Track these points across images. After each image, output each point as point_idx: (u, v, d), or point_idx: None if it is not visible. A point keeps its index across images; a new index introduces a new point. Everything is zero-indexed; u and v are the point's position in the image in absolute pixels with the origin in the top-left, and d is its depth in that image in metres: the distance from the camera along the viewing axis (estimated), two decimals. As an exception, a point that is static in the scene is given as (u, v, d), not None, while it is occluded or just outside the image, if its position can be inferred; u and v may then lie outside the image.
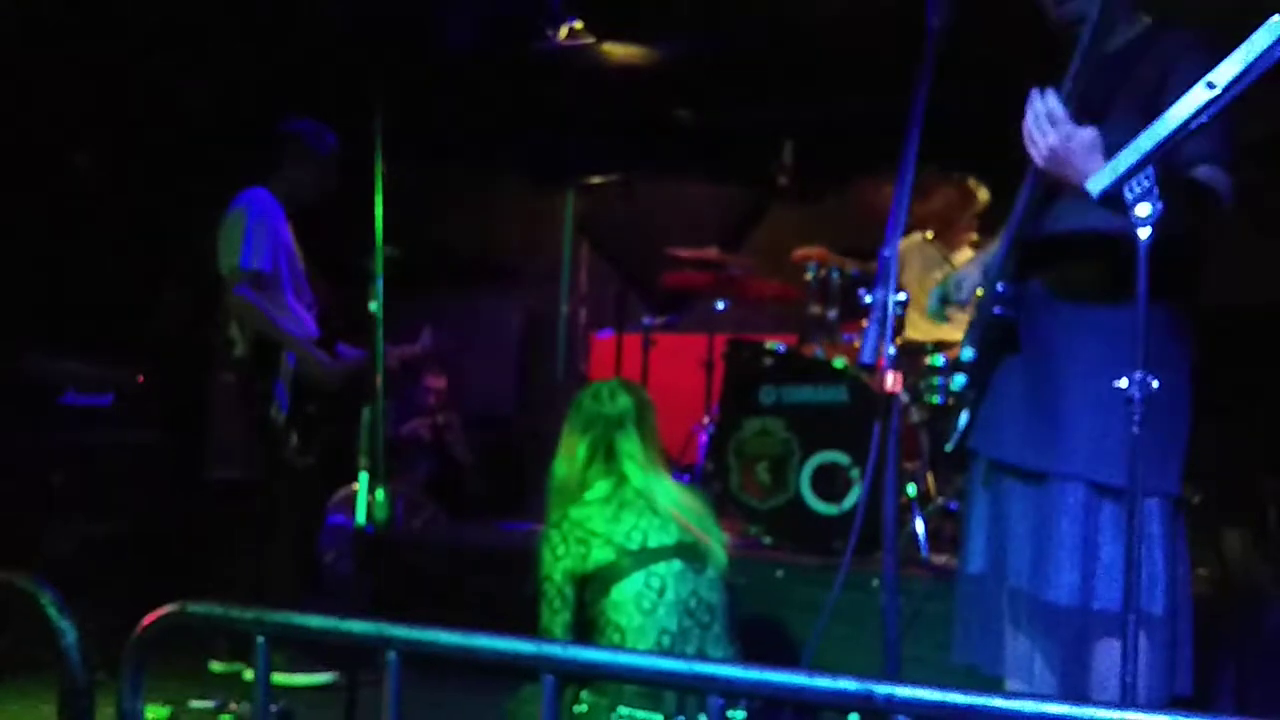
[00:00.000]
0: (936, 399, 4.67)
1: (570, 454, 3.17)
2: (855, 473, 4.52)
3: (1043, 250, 2.57)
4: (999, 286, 2.60)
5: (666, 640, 2.94)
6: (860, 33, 5.49)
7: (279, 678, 4.18)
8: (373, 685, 3.73)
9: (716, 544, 3.12)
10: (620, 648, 2.90)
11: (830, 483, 4.58)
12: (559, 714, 1.48)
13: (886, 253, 2.08)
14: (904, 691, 1.32)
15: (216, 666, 4.32)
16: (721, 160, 6.46)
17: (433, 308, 5.24)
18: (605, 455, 3.13)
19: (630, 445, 3.14)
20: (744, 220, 5.94)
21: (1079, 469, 2.45)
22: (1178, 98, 2.07)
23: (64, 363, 5.25)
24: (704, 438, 5.30)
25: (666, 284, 5.43)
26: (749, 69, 6.07)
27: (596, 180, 6.28)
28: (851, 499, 4.53)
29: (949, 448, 2.86)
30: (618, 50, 6.10)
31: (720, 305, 5.35)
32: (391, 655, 1.58)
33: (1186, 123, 1.67)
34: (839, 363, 4.69)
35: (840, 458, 4.57)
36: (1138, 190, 1.72)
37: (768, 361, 4.94)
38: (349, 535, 5.13)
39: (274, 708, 3.92)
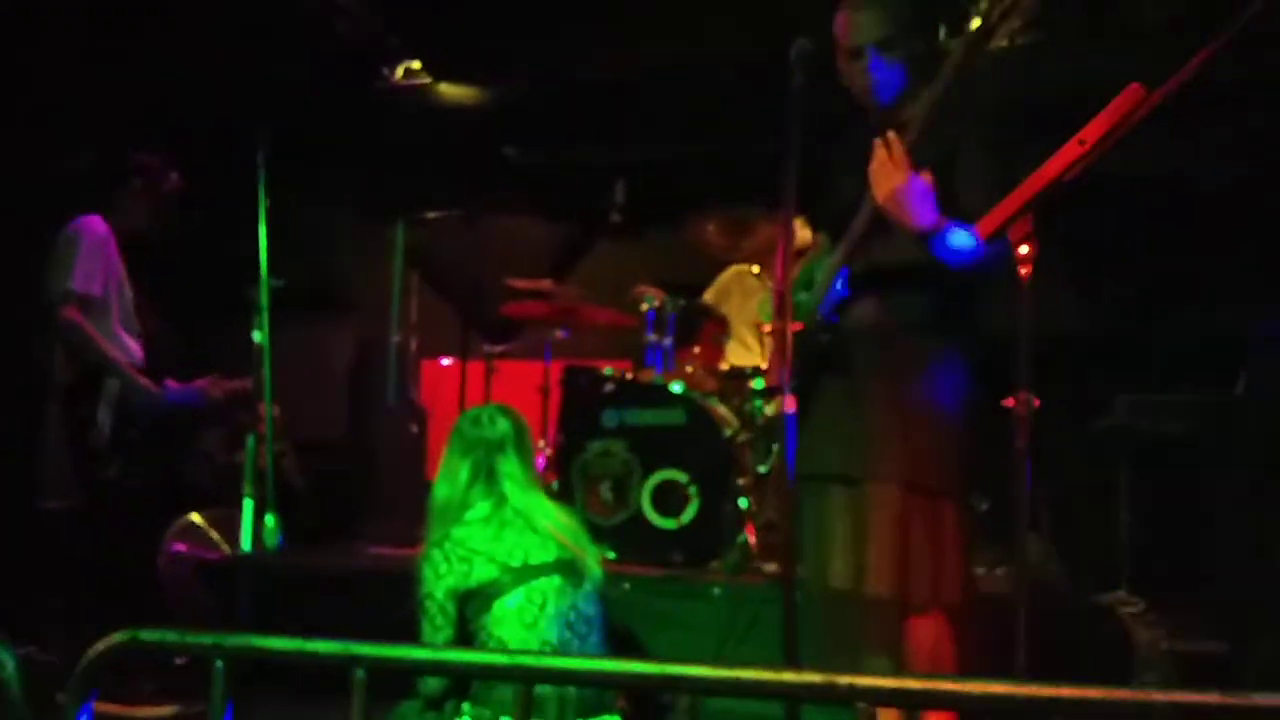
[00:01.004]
0: (759, 418, 4.90)
1: (452, 476, 3.16)
2: (693, 489, 4.65)
3: (869, 280, 2.76)
4: (824, 310, 2.78)
5: (547, 650, 2.97)
6: (688, 79, 5.67)
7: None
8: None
9: (593, 559, 3.17)
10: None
11: (669, 499, 4.69)
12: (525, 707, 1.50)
13: (779, 288, 2.17)
14: (863, 681, 1.40)
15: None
16: (552, 196, 6.52)
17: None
18: (486, 476, 3.14)
19: (510, 466, 3.16)
20: (574, 253, 6.01)
21: (893, 472, 2.64)
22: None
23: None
24: (541, 460, 5.33)
25: (505, 313, 5.45)
26: (579, 110, 6.17)
27: (430, 215, 6.22)
28: (689, 513, 4.65)
29: (764, 469, 3.01)
30: (452, 90, 6.09)
31: (560, 334, 5.40)
32: (360, 673, 1.57)
33: (1059, 176, 1.84)
34: (676, 387, 4.82)
35: (679, 475, 4.68)
36: (1020, 233, 1.88)
37: (609, 386, 5.02)
38: (192, 565, 4.90)
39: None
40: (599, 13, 5.45)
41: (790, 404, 2.11)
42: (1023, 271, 1.89)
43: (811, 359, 2.75)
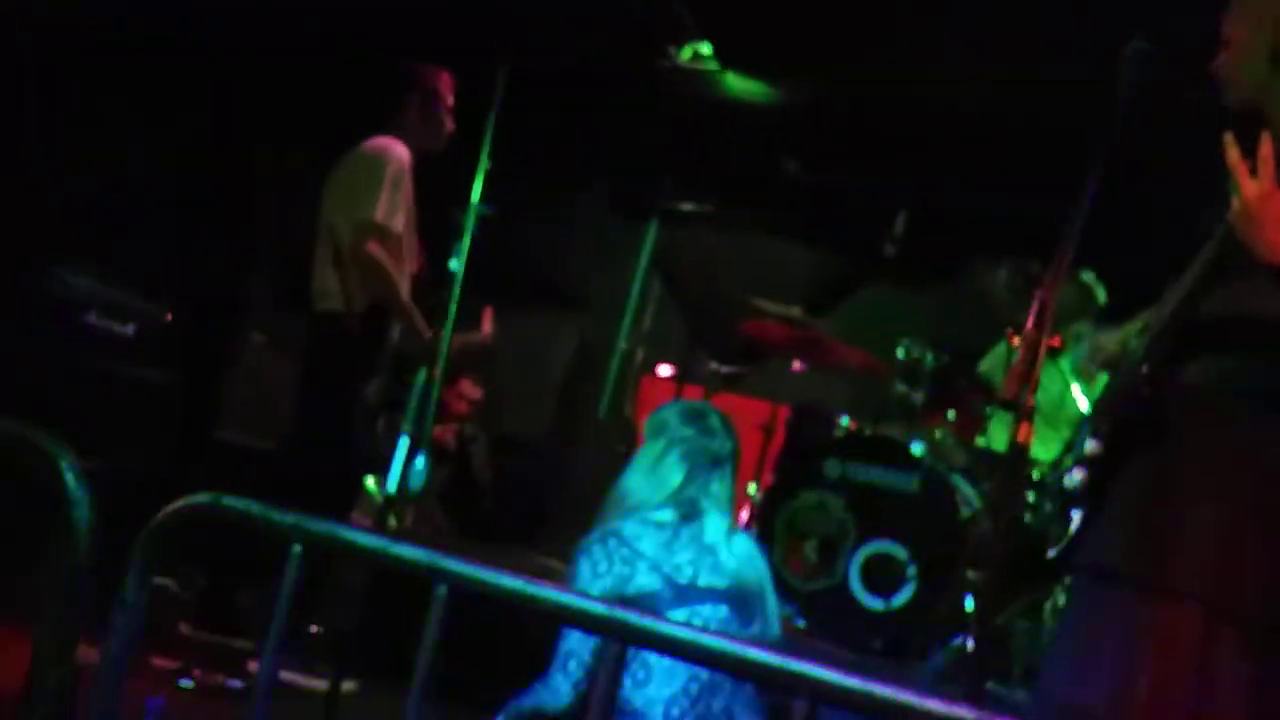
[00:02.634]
0: (1026, 516, 4.60)
1: (660, 474, 3.07)
2: (912, 570, 4.42)
3: (1205, 334, 2.44)
4: (1144, 370, 2.47)
5: (694, 688, 2.85)
6: (994, 123, 5.48)
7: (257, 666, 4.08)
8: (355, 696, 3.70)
9: (773, 611, 3.03)
10: (643, 686, 2.82)
11: (882, 574, 4.48)
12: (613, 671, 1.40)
13: (1043, 295, 1.99)
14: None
15: (186, 629, 4.23)
16: (823, 219, 6.43)
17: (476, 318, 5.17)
18: (695, 491, 3.05)
19: (723, 488, 3.08)
20: (836, 285, 5.90)
21: (1197, 586, 2.29)
22: None
23: (91, 284, 5.25)
24: (746, 509, 5.21)
25: (744, 331, 5.37)
26: (873, 132, 6.06)
27: (685, 208, 6.23)
28: (902, 596, 4.43)
29: (1054, 552, 2.70)
30: (738, 83, 6.10)
31: (798, 365, 5.27)
32: (442, 589, 1.50)
33: None
34: (917, 448, 4.60)
35: (898, 550, 4.47)
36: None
37: (838, 432, 4.86)
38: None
39: (236, 683, 3.84)
40: (918, 30, 5.33)
41: (1025, 432, 1.91)
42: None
43: (1121, 422, 2.44)
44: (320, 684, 3.89)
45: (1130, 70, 2.45)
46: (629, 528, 2.97)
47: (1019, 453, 1.96)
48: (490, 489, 6.57)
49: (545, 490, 6.82)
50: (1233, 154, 2.15)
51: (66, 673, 1.79)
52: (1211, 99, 2.59)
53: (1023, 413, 1.92)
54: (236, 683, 3.80)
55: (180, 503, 1.69)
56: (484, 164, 2.99)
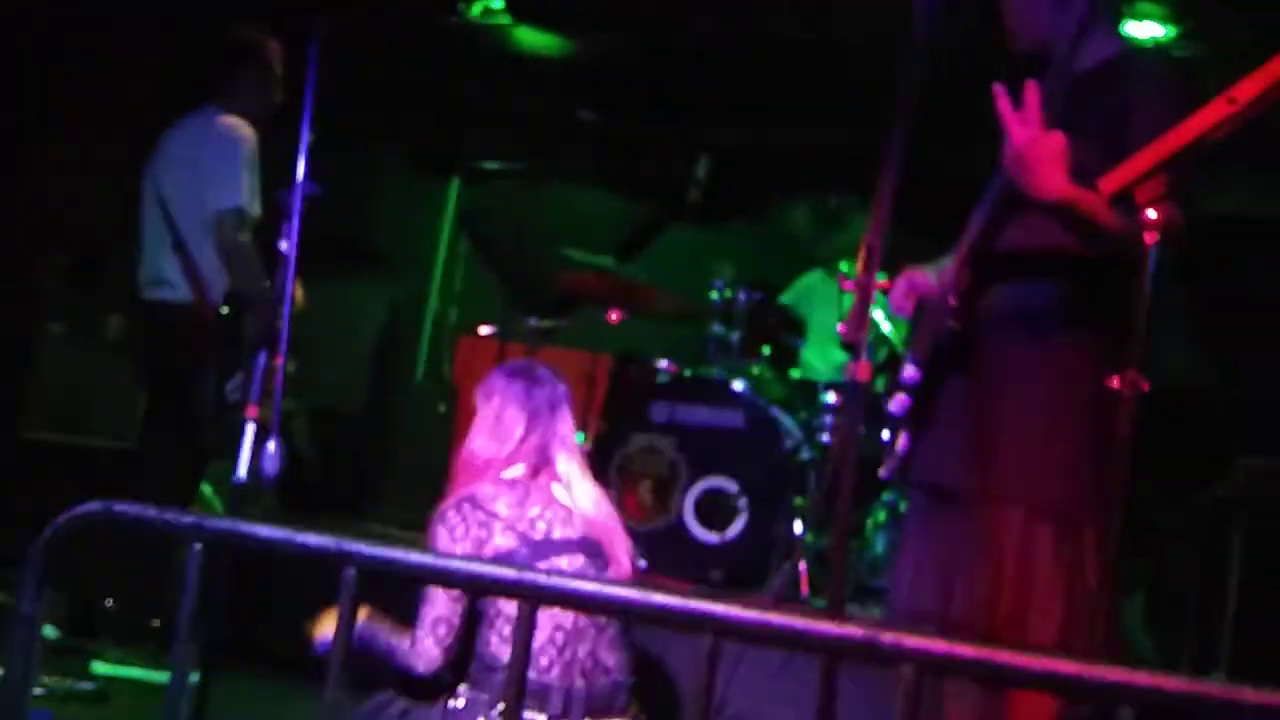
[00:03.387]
0: (825, 437, 4.86)
1: (501, 430, 3.15)
2: (742, 501, 4.62)
3: (996, 266, 2.68)
4: (950, 300, 2.70)
5: (560, 637, 2.95)
6: (785, 62, 5.66)
7: (111, 668, 4.00)
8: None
9: (622, 551, 3.16)
10: (507, 641, 2.92)
11: (715, 510, 4.67)
12: (528, 646, 1.50)
13: (871, 240, 2.15)
14: (912, 641, 1.38)
15: (50, 632, 4.11)
16: (627, 168, 6.55)
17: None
18: (540, 438, 3.15)
19: (568, 429, 3.18)
20: (645, 233, 6.04)
21: (1018, 492, 2.54)
22: (1141, 126, 2.22)
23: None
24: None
25: (557, 285, 5.47)
26: (669, 79, 6.19)
27: (488, 167, 6.26)
28: (735, 528, 4.63)
29: (885, 473, 2.91)
30: (532, 36, 6.14)
31: (615, 315, 5.40)
32: (349, 572, 1.57)
33: (1203, 134, 1.81)
34: (738, 385, 4.80)
35: (729, 484, 4.66)
36: (1149, 194, 1.85)
37: (662, 377, 5.01)
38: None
39: (87, 685, 3.78)
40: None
41: (863, 371, 2.08)
42: (1148, 238, 1.85)
43: (936, 350, 2.68)
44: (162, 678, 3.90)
45: (926, 17, 2.61)
46: (482, 490, 3.06)
47: (859, 391, 2.11)
48: (314, 462, 6.51)
49: (368, 458, 6.80)
50: (1002, 103, 2.35)
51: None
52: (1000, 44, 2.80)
53: (859, 352, 2.08)
54: (87, 684, 3.74)
55: (71, 512, 1.70)
56: (307, 141, 2.96)
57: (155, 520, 1.68)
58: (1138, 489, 1.97)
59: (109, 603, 4.25)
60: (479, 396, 3.28)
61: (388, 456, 6.92)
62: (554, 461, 3.13)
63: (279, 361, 3.01)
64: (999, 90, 2.35)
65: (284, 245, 2.99)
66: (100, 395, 5.52)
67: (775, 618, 1.43)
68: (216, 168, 4.10)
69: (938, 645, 1.37)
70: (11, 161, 6.20)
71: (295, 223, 2.93)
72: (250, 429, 2.99)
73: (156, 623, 4.24)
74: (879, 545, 4.79)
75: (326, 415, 6.83)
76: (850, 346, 2.04)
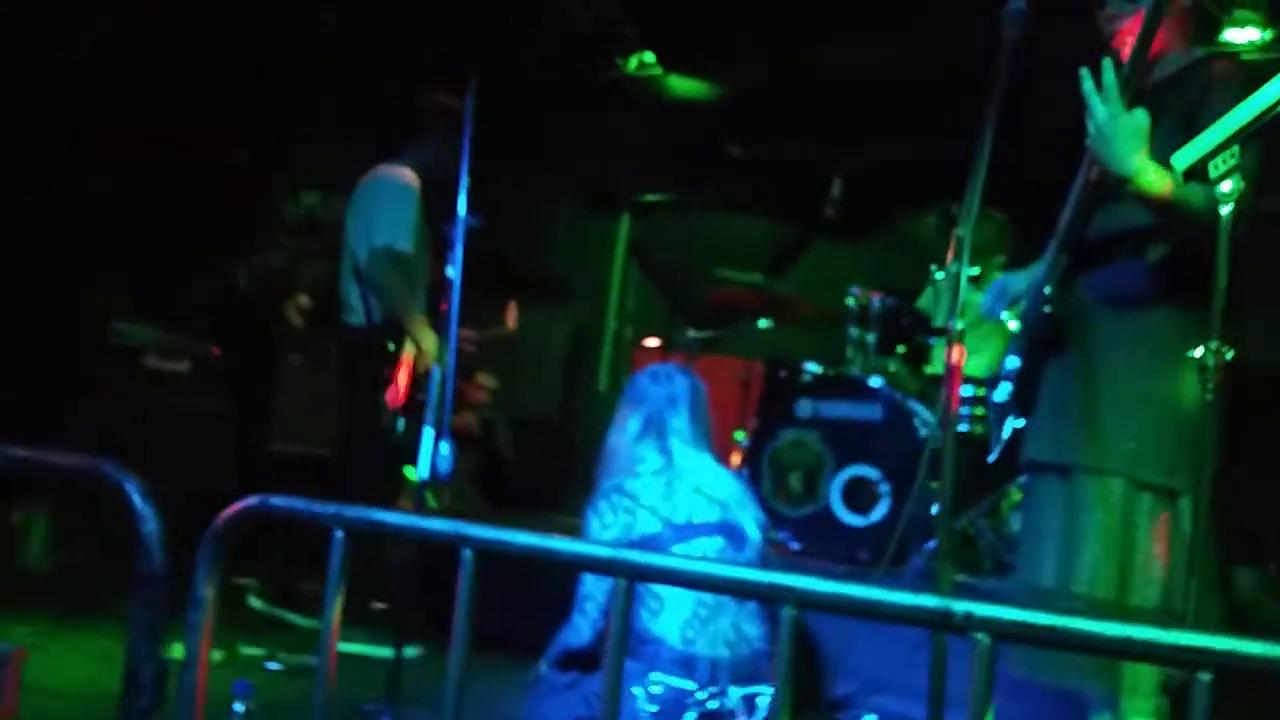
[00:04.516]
0: (964, 427, 4.61)
1: (622, 427, 3.09)
2: (884, 487, 4.43)
3: (1083, 254, 2.48)
4: (1046, 290, 2.51)
5: (703, 612, 2.85)
6: (907, 78, 5.44)
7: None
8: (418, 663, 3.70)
9: (751, 523, 3.03)
10: (658, 615, 2.83)
11: (859, 495, 4.49)
12: (628, 618, 1.40)
13: (961, 232, 1.99)
14: (983, 610, 1.23)
15: (255, 602, 4.21)
16: (771, 192, 6.40)
17: (484, 316, 5.15)
18: (656, 431, 3.06)
19: (680, 423, 3.07)
20: (788, 250, 5.88)
21: (1118, 463, 2.34)
22: (1216, 113, 2.00)
23: (146, 331, 5.24)
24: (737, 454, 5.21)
25: (713, 301, 5.36)
26: (802, 110, 6.03)
27: (651, 199, 6.21)
28: (879, 512, 4.44)
29: (992, 458, 2.73)
30: (681, 83, 6.07)
31: (763, 324, 5.26)
32: (467, 554, 1.50)
33: (1274, 105, 1.59)
34: (875, 381, 4.60)
35: (871, 472, 4.48)
36: (1222, 168, 1.64)
37: (806, 377, 4.86)
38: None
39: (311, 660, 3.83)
40: (827, 10, 5.29)
41: (958, 354, 1.91)
42: (1224, 211, 1.64)
43: (1035, 337, 2.52)
44: (387, 653, 3.92)
45: (1010, 27, 2.44)
46: (629, 482, 2.98)
47: (952, 372, 1.95)
48: (514, 465, 6.57)
49: (561, 460, 6.82)
50: (1086, 85, 2.16)
51: (157, 666, 1.79)
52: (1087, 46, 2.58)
53: (952, 338, 1.92)
54: (314, 659, 3.79)
55: (232, 509, 1.68)
56: (465, 180, 2.95)
57: (303, 511, 1.64)
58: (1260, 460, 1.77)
59: (379, 606, 4.28)
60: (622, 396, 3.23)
61: (577, 458, 6.92)
62: (673, 453, 3.02)
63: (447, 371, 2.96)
64: (1084, 73, 2.16)
65: (450, 272, 2.97)
66: (329, 413, 5.67)
67: (853, 589, 1.30)
68: (372, 210, 4.17)
69: (1009, 614, 1.22)
70: (262, 221, 6.48)
71: (459, 251, 2.91)
72: (429, 432, 2.96)
73: (378, 606, 4.29)
74: (1014, 523, 4.51)
75: (524, 423, 6.89)
76: (942, 332, 1.87)
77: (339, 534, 1.60)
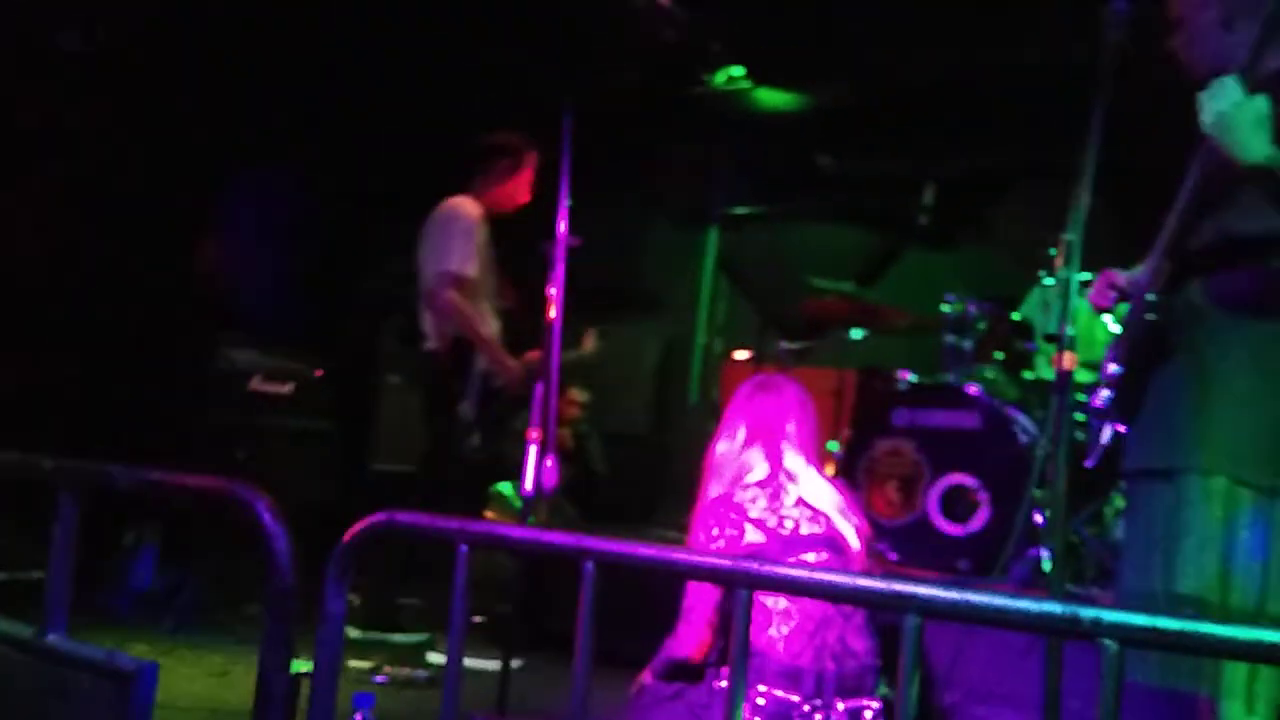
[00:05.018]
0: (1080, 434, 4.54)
1: (731, 435, 3.11)
2: (983, 496, 4.38)
3: (1196, 259, 2.44)
4: (1149, 297, 2.48)
5: (810, 625, 2.84)
6: (996, 90, 5.39)
7: (434, 657, 4.17)
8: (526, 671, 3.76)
9: (853, 534, 3.02)
10: (763, 629, 2.84)
11: (958, 504, 4.44)
12: (746, 625, 1.42)
13: (1070, 237, 1.98)
14: (1111, 615, 1.23)
15: (353, 633, 4.33)
16: (861, 202, 6.39)
17: (575, 332, 5.22)
18: (764, 440, 3.07)
19: (788, 432, 3.09)
20: (880, 259, 5.86)
21: (1221, 464, 2.30)
22: None
23: (252, 355, 5.42)
24: (830, 463, 5.19)
25: (804, 311, 5.36)
26: (891, 119, 6.01)
27: (739, 212, 6.24)
28: (978, 521, 4.39)
29: (1090, 463, 2.70)
30: (770, 96, 6.09)
31: (856, 334, 5.24)
32: (589, 566, 1.54)
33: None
34: (972, 389, 4.56)
35: (969, 480, 4.42)
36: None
37: (901, 386, 4.83)
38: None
39: (422, 673, 3.92)
40: (913, 20, 5.28)
41: (1069, 361, 1.90)
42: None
43: (1138, 343, 2.48)
44: (492, 664, 3.98)
45: (1111, 29, 2.42)
46: (736, 491, 2.99)
47: (1064, 378, 1.94)
48: (607, 479, 6.63)
49: (653, 473, 6.86)
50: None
51: (288, 679, 1.86)
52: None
53: (1063, 343, 1.90)
54: (422, 673, 3.88)
55: (360, 525, 1.75)
56: (565, 200, 3.02)
57: (429, 527, 1.70)
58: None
59: (478, 619, 4.39)
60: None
61: (669, 470, 6.95)
62: (783, 462, 3.02)
63: (570, 394, 3.02)
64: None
65: (551, 290, 3.02)
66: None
67: (975, 597, 1.30)
68: (436, 239, 4.39)
69: (1138, 619, 1.21)
70: (359, 249, 6.65)
71: (560, 270, 2.97)
72: (532, 449, 3.01)
73: (478, 619, 4.38)
74: (1118, 531, 4.42)
75: (616, 438, 6.95)
76: (1054, 337, 1.87)
77: (463, 548, 1.65)
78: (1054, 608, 1.26)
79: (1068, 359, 1.92)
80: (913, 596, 1.34)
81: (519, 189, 4.57)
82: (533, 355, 4.47)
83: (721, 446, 3.11)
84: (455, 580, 1.66)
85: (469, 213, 4.43)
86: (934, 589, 1.32)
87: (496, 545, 1.63)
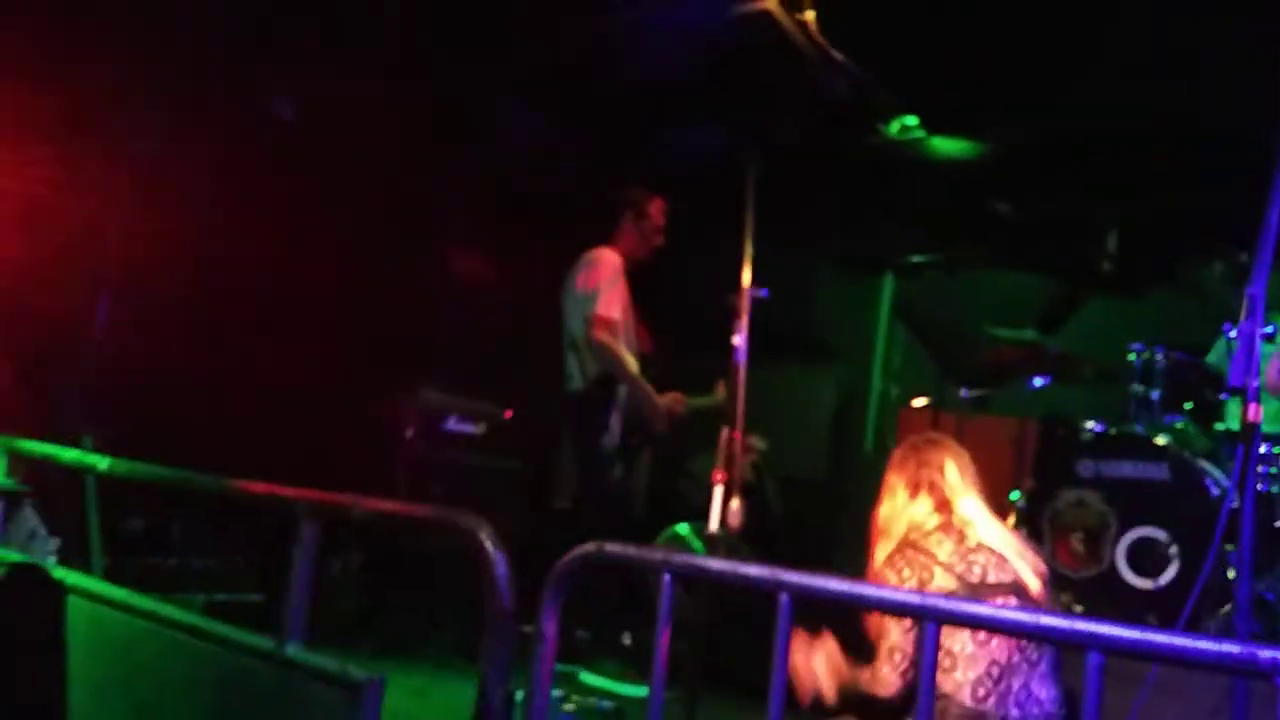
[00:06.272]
0: (1261, 486, 4.41)
1: (892, 495, 3.19)
2: (1174, 549, 4.28)
3: None
4: None
5: (995, 671, 2.89)
6: (1178, 133, 5.30)
7: (608, 684, 4.36)
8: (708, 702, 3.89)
9: (1031, 574, 3.05)
10: (950, 673, 2.89)
11: (1147, 557, 4.36)
12: (933, 659, 1.52)
13: (1252, 290, 2.02)
14: (1292, 657, 1.29)
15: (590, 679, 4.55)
16: (1041, 248, 6.33)
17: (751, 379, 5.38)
18: (929, 491, 3.14)
19: (953, 481, 3.15)
20: (1063, 306, 5.80)
21: None
22: None
23: (446, 397, 5.77)
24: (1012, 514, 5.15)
25: (986, 359, 5.35)
26: (1070, 163, 5.95)
27: (916, 260, 6.30)
28: (1168, 575, 4.29)
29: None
30: (944, 144, 6.13)
31: (1038, 382, 5.20)
32: (784, 598, 1.67)
33: None
34: (1161, 440, 4.48)
35: (1159, 534, 4.34)
36: None
37: (1087, 436, 4.77)
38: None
39: (607, 704, 4.09)
40: (1090, 65, 5.25)
41: (1255, 413, 1.94)
42: None
43: None
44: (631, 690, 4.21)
45: None
46: (923, 541, 3.06)
47: (1250, 431, 1.97)
48: (782, 521, 6.70)
49: (828, 518, 6.90)
50: None
51: (506, 696, 2.05)
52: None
53: (1249, 395, 1.94)
54: (607, 703, 4.05)
55: (574, 553, 1.93)
56: (749, 251, 3.18)
57: (635, 557, 1.86)
58: None
59: (627, 639, 4.61)
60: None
61: (845, 518, 6.97)
62: (955, 508, 3.08)
63: (737, 435, 3.17)
64: None
65: (737, 340, 3.18)
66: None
67: (1156, 636, 1.38)
68: (580, 284, 4.75)
69: (1320, 662, 1.27)
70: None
71: (745, 320, 3.12)
72: (719, 490, 3.17)
73: (628, 641, 4.60)
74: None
75: (792, 482, 7.02)
76: (1239, 389, 1.91)
77: (667, 577, 1.81)
78: (1232, 648, 1.32)
79: (1253, 410, 1.95)
80: (1093, 635, 1.42)
81: (649, 236, 4.92)
82: (674, 396, 4.91)
83: (884, 509, 3.19)
84: (661, 609, 1.81)
85: (612, 261, 4.78)
86: (1115, 627, 1.40)
87: (698, 576, 1.77)
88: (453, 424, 5.63)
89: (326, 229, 5.71)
